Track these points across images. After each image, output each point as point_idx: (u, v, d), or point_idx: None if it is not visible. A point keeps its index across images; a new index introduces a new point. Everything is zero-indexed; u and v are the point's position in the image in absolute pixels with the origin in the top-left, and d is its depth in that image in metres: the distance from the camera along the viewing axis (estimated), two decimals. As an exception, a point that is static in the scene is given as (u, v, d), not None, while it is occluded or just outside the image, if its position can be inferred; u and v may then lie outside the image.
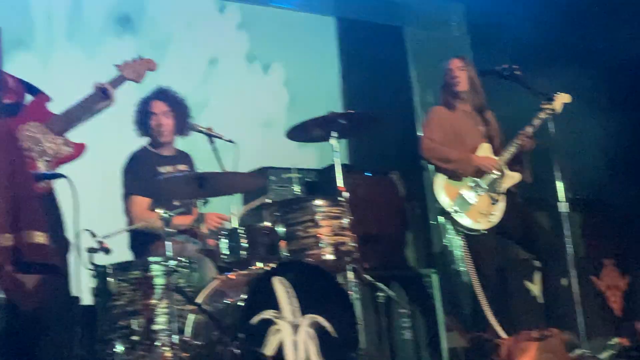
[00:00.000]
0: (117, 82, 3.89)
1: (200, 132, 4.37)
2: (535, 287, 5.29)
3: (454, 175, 4.73)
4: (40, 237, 2.72)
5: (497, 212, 4.70)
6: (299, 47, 6.89)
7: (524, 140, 4.69)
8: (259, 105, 6.57)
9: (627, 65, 6.25)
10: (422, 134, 4.95)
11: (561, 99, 4.63)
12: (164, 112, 4.54)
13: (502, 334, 4.42)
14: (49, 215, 3.37)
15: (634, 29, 6.17)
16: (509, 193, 4.74)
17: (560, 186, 4.43)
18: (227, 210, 4.26)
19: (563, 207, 4.43)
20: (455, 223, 4.69)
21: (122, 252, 4.33)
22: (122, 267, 3.79)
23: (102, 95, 3.79)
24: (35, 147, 3.55)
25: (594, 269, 5.96)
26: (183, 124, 4.59)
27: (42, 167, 3.54)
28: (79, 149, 3.69)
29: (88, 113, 3.78)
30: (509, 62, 4.79)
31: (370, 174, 5.56)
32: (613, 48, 6.20)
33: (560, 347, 3.94)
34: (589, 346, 4.24)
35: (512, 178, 4.75)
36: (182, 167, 4.60)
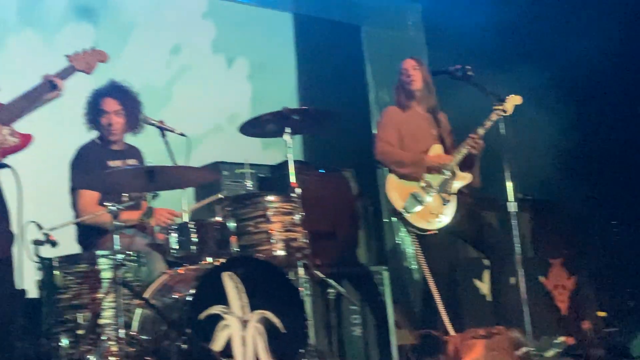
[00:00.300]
0: (67, 72, 3.82)
1: (152, 125, 4.33)
2: (484, 286, 5.34)
3: (407, 176, 4.75)
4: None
5: (448, 212, 4.72)
6: (261, 42, 6.88)
7: (475, 142, 4.72)
8: (222, 99, 6.54)
9: (578, 66, 6.34)
10: (376, 135, 4.96)
11: (512, 101, 4.67)
12: (116, 110, 4.46)
13: (451, 331, 4.44)
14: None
15: (585, 30, 6.27)
16: (459, 193, 4.78)
17: (509, 186, 4.47)
18: (179, 204, 4.24)
19: (512, 207, 4.47)
20: (406, 223, 4.70)
21: (69, 245, 4.27)
22: (68, 260, 3.74)
23: (50, 87, 3.72)
24: None
25: (542, 269, 6.03)
26: (134, 121, 4.53)
27: (-14, 157, 3.47)
28: (26, 139, 3.61)
29: (35, 104, 3.70)
30: (463, 63, 4.82)
31: (324, 171, 5.56)
32: (564, 49, 6.30)
33: (506, 345, 3.98)
34: (535, 344, 4.28)
35: (463, 179, 4.79)
36: (131, 161, 4.54)
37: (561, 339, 4.45)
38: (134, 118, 4.51)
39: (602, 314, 6.05)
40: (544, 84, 6.01)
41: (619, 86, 6.54)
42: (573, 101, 6.31)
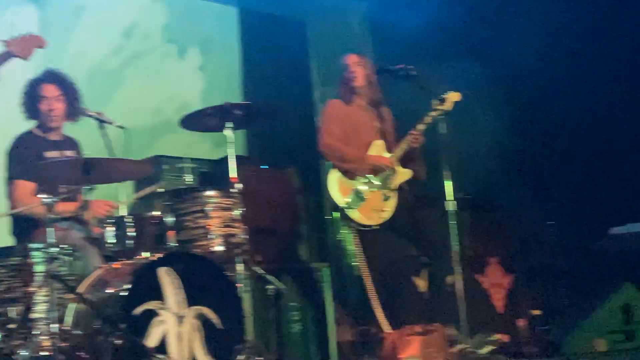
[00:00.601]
0: (3, 58, 3.73)
1: (91, 116, 4.24)
2: (422, 283, 5.38)
3: (349, 173, 4.77)
4: None
5: (389, 208, 4.76)
6: (209, 34, 6.83)
7: (415, 138, 4.76)
8: (173, 89, 6.47)
9: (518, 66, 6.45)
10: (320, 128, 4.96)
11: (451, 97, 4.71)
12: (56, 96, 4.40)
13: (388, 328, 4.47)
14: None
15: (527, 28, 6.37)
16: (399, 190, 4.82)
17: (448, 185, 4.51)
18: (116, 198, 4.19)
19: (450, 205, 4.53)
20: (348, 218, 4.73)
21: (3, 237, 4.18)
22: (0, 253, 3.67)
23: None
24: None
25: (479, 267, 6.11)
26: (73, 109, 4.46)
27: None
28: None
29: None
30: (407, 60, 4.86)
31: (266, 167, 5.54)
32: (505, 49, 6.39)
33: (442, 342, 4.03)
34: (470, 342, 4.33)
35: (404, 175, 4.83)
36: (69, 152, 4.47)
37: (496, 336, 4.52)
38: (74, 105, 4.45)
39: (536, 312, 6.15)
40: (485, 83, 6.09)
41: (557, 87, 6.66)
42: (512, 102, 6.40)
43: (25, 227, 4.20)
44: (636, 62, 6.35)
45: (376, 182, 4.76)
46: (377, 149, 4.87)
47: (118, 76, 6.17)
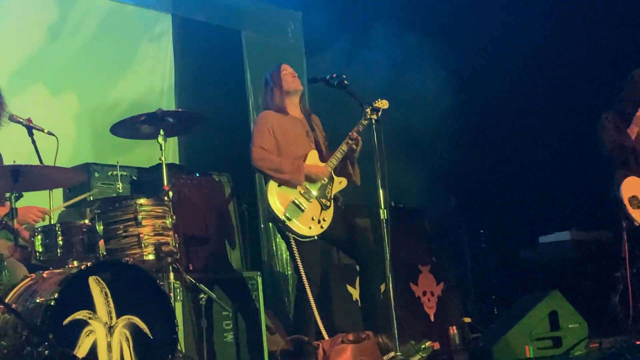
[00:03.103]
0: None
1: (20, 123, 4.22)
2: (356, 292, 5.43)
3: (287, 184, 4.78)
4: None
5: (328, 217, 4.78)
6: (140, 42, 6.77)
7: (349, 145, 4.81)
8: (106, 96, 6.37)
9: (454, 78, 6.60)
10: (252, 142, 4.92)
11: (380, 105, 4.77)
12: None
13: (325, 335, 4.48)
14: None
15: (456, 44, 6.53)
16: (334, 199, 4.85)
17: (381, 194, 4.55)
18: (46, 206, 4.12)
19: (383, 214, 4.56)
20: (287, 229, 4.69)
21: None
22: None
23: None
24: None
25: (412, 275, 6.20)
26: None
27: None
28: None
29: None
30: (339, 70, 4.91)
31: (198, 175, 5.51)
32: (435, 59, 6.53)
33: (374, 349, 4.06)
34: (402, 349, 4.37)
35: (340, 184, 4.87)
36: None
37: (427, 343, 4.57)
38: None
39: (467, 319, 6.28)
40: (419, 92, 6.22)
41: (483, 101, 6.85)
42: (445, 114, 6.54)
43: (-51, 235, 4.10)
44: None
45: (314, 192, 4.77)
46: (313, 160, 4.89)
47: (46, 81, 6.05)
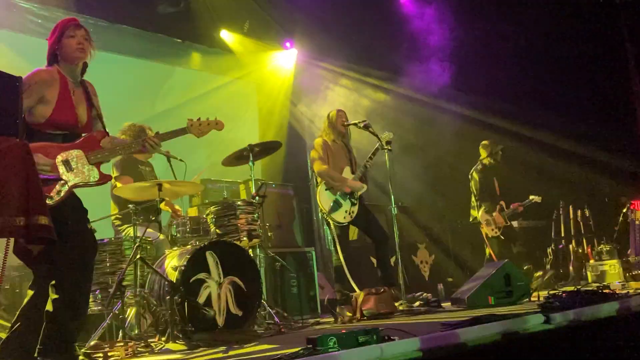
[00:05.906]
0: None
1: (161, 153, 4.00)
2: (374, 260, 5.39)
3: (332, 188, 4.78)
4: None
5: (355, 210, 4.77)
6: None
7: (368, 164, 4.83)
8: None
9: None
10: (314, 158, 4.83)
11: (386, 137, 4.70)
12: None
13: (356, 289, 4.45)
14: None
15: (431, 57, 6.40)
16: (360, 198, 4.86)
17: (392, 197, 4.54)
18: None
19: (393, 210, 4.55)
20: (331, 218, 4.71)
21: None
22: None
23: None
24: None
25: (413, 250, 6.16)
26: None
27: None
28: None
29: None
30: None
31: (274, 185, 5.55)
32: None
33: (389, 299, 4.00)
34: (407, 298, 4.35)
35: (362, 188, 4.87)
36: None
37: (424, 294, 4.52)
38: None
39: (450, 279, 6.20)
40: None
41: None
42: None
43: None
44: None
45: (347, 194, 4.77)
46: (347, 174, 4.91)
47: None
